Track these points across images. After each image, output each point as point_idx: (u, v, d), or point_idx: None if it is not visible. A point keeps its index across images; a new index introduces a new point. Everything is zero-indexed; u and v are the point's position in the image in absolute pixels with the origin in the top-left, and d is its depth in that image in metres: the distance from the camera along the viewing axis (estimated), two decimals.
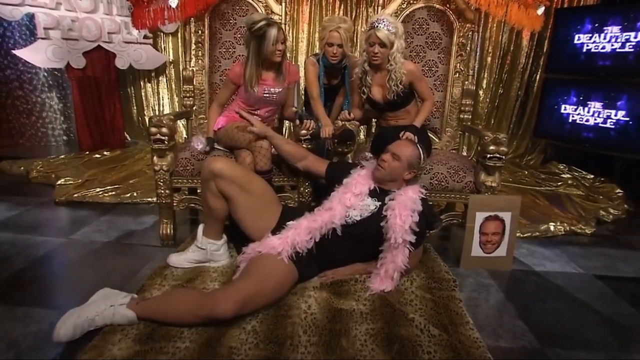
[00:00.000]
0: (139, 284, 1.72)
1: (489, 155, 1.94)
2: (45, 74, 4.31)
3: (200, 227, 1.86)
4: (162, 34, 4.33)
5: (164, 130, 1.96)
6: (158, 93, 4.58)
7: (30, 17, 3.68)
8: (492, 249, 2.03)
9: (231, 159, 2.02)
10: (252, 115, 2.13)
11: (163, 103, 4.60)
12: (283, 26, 2.56)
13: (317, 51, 3.41)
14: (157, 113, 4.59)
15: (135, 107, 4.60)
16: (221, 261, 1.89)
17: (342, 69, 2.54)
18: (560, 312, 1.73)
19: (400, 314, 1.55)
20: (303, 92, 2.90)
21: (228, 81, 2.15)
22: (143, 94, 4.57)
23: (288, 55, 2.23)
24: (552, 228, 2.59)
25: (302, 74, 2.85)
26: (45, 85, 4.37)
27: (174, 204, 2.14)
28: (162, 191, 2.08)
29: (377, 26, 2.01)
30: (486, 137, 1.97)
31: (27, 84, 4.28)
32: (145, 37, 4.10)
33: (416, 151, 1.79)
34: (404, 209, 1.69)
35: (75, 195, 2.82)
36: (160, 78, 4.54)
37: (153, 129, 1.95)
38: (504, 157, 1.94)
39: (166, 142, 1.97)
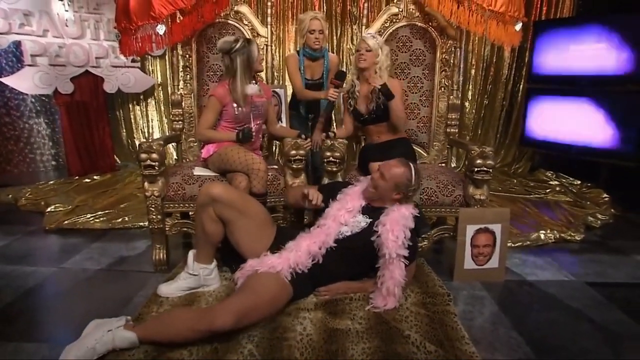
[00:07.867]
0: (133, 312, 1.70)
1: (476, 169, 1.98)
2: (33, 99, 4.28)
3: (191, 254, 1.85)
4: (149, 56, 4.35)
5: (154, 155, 1.96)
6: (147, 115, 4.58)
7: (17, 44, 3.69)
8: (484, 261, 2.05)
9: (227, 184, 2.03)
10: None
11: (152, 125, 4.59)
12: (268, 47, 2.64)
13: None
14: (146, 135, 4.59)
15: (124, 130, 4.58)
16: (213, 285, 1.88)
17: (322, 59, 2.73)
18: (554, 322, 1.75)
19: (396, 331, 1.55)
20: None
21: (215, 102, 2.14)
22: (132, 116, 4.56)
23: (275, 74, 2.31)
24: (542, 236, 2.63)
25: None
26: (33, 111, 4.34)
27: (167, 229, 2.13)
28: (154, 216, 2.07)
29: (365, 36, 2.28)
30: (473, 151, 2.01)
31: (15, 110, 4.24)
32: (133, 60, 4.09)
33: (406, 173, 1.77)
34: (396, 224, 1.71)
35: (66, 222, 2.79)
36: (149, 100, 4.54)
37: (143, 155, 1.95)
38: (491, 170, 1.98)
39: (156, 168, 1.97)
